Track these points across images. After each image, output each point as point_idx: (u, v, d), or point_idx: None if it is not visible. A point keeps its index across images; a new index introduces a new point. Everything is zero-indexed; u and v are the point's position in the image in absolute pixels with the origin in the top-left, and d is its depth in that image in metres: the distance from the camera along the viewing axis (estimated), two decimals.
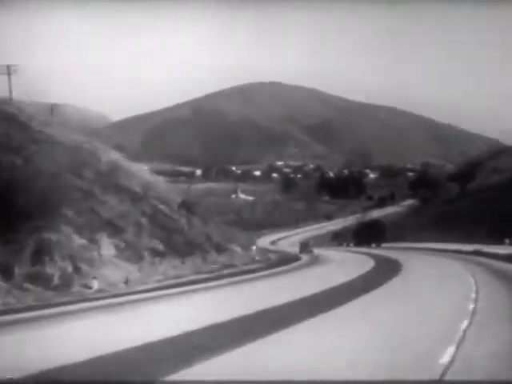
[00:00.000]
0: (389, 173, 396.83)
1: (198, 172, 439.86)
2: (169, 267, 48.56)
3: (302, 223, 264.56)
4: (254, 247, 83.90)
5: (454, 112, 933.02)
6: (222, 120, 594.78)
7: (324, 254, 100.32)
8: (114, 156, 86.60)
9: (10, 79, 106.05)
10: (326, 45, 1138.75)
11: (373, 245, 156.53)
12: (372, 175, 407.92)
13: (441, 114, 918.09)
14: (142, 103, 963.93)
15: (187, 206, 79.67)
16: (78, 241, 41.80)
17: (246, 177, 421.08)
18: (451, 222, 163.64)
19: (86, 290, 37.60)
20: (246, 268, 62.07)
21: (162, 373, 15.35)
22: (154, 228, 54.80)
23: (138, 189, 66.66)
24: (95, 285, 38.02)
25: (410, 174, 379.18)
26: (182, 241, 56.89)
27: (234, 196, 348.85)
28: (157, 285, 41.25)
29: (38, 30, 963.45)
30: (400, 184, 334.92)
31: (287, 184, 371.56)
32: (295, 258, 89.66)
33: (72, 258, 39.16)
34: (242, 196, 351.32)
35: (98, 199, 51.77)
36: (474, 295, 32.67)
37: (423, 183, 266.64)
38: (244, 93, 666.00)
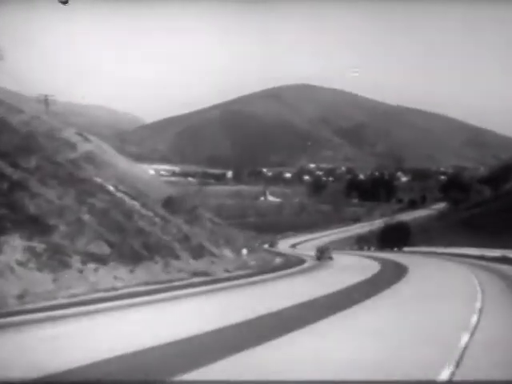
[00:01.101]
0: (421, 176, 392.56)
1: (230, 174, 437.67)
2: (107, 277, 38.78)
3: (327, 226, 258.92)
4: (245, 251, 74.11)
5: (488, 116, 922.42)
6: (256, 122, 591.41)
7: (333, 259, 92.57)
8: (96, 147, 78.08)
9: None
10: (359, 47, 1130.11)
11: (395, 249, 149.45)
12: (404, 178, 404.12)
13: (475, 118, 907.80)
14: (175, 106, 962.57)
15: (171, 204, 70.70)
16: None
17: (277, 179, 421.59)
18: (481, 225, 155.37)
19: None
20: (220, 276, 52.09)
21: None
22: (104, 227, 45.16)
23: (100, 181, 57.34)
24: None
25: (443, 177, 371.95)
26: (140, 243, 47.11)
27: (262, 198, 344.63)
28: (64, 301, 31.39)
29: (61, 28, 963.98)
30: (432, 187, 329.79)
31: (316, 186, 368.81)
32: (298, 263, 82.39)
33: None
34: (271, 198, 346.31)
35: (31, 191, 42.28)
36: (465, 338, 21.48)
37: (454, 186, 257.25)
38: (277, 95, 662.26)
